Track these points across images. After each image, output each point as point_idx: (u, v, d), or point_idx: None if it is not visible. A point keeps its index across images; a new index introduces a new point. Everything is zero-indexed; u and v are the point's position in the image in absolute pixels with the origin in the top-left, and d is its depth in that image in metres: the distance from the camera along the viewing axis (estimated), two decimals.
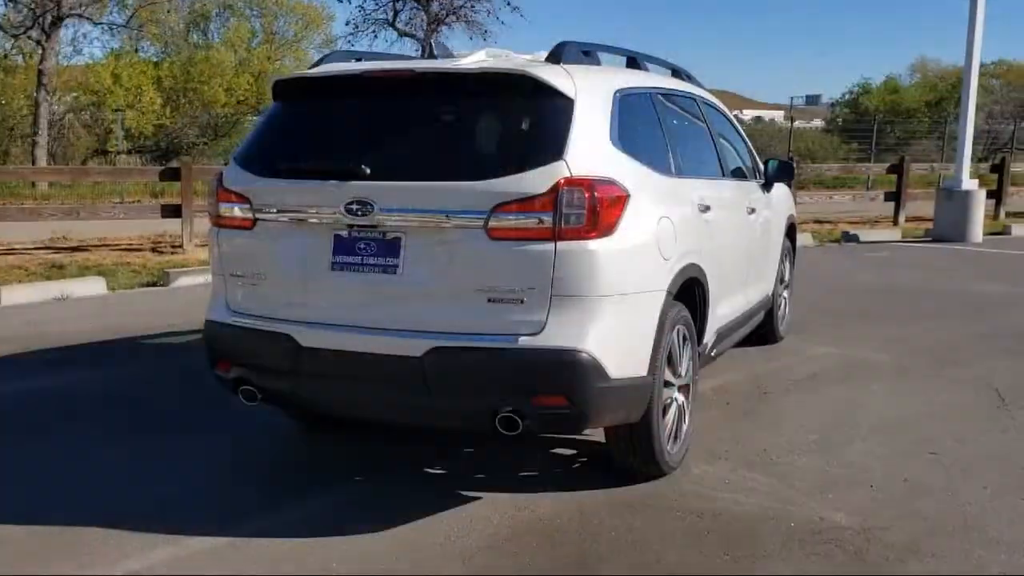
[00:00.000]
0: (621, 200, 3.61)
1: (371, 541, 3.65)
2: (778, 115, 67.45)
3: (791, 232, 7.01)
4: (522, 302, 3.50)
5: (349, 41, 22.27)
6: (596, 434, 4.41)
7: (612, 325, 3.60)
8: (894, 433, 4.90)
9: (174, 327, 7.45)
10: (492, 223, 3.48)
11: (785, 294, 7.04)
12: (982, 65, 43.38)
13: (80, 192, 20.97)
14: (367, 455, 4.61)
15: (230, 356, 4.03)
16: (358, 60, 4.37)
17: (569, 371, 3.51)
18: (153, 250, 12.07)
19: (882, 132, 29.87)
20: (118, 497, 4.07)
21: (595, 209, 3.48)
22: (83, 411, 5.29)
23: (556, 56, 3.90)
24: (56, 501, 4.01)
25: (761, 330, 6.44)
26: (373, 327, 3.68)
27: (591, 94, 3.81)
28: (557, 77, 3.71)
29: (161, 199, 18.88)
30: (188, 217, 11.86)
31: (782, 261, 6.74)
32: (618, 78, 4.24)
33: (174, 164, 14.15)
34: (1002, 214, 17.13)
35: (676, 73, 5.38)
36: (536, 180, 3.47)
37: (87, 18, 26.80)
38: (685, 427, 4.36)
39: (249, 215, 3.90)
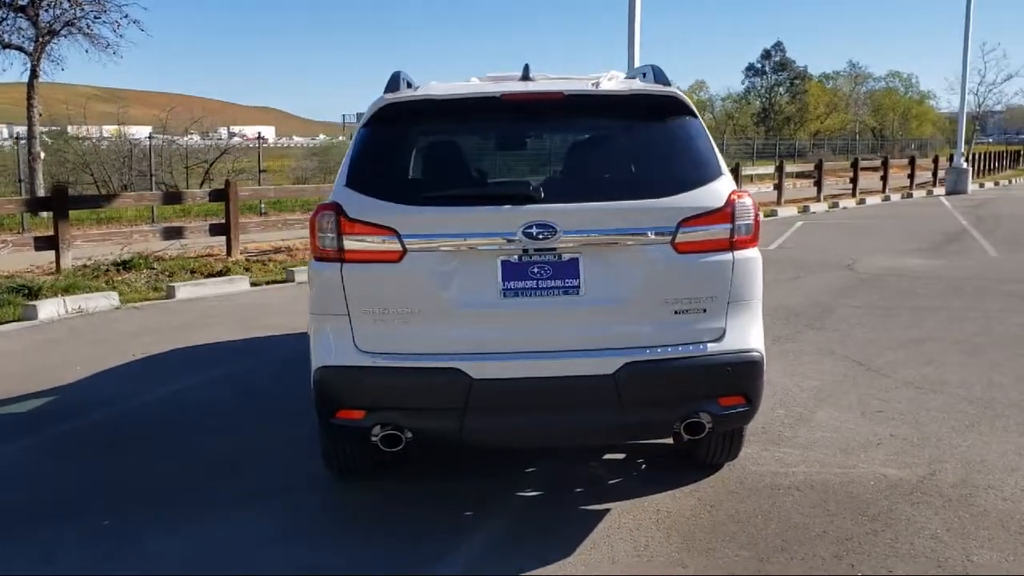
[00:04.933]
0: None
1: (574, 567, 3.60)
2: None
3: None
4: (705, 311, 3.69)
5: None
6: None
7: (759, 325, 3.92)
8: (830, 399, 5.76)
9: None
10: (679, 237, 3.63)
11: None
12: None
13: None
14: (443, 492, 4.38)
15: (366, 401, 3.65)
16: (409, 86, 4.13)
17: (750, 370, 3.77)
18: None
19: None
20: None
21: (758, 218, 3.78)
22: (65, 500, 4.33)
23: (664, 78, 4.09)
24: None
25: None
26: (556, 350, 3.62)
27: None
28: (687, 99, 3.93)
29: None
30: None
31: None
32: None
33: None
34: None
35: None
36: (712, 194, 3.68)
37: None
38: None
39: (396, 247, 3.58)
